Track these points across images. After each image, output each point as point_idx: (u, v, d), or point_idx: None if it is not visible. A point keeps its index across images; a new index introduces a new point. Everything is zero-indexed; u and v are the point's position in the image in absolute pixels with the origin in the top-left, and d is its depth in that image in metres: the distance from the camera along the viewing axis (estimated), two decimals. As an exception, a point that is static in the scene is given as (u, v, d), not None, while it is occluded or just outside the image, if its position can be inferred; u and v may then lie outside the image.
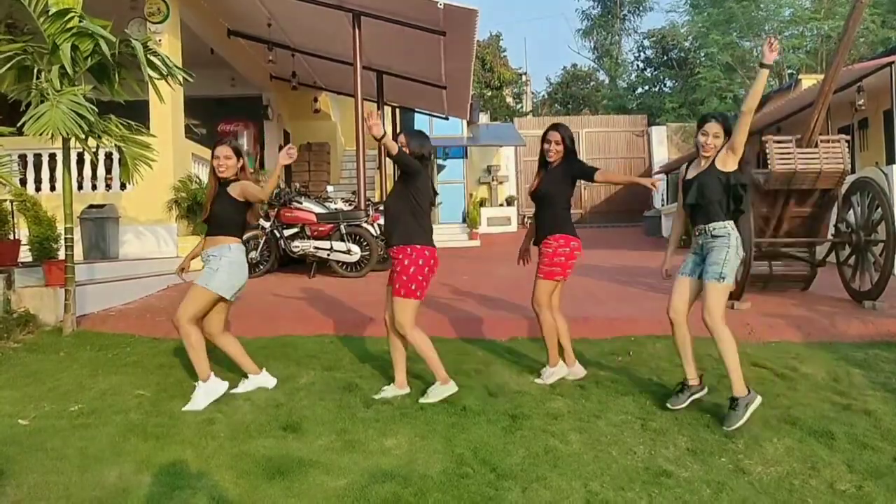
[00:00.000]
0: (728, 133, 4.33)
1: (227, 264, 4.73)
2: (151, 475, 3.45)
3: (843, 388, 4.79)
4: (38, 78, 6.13)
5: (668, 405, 4.34)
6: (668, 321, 4.50)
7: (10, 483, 3.36)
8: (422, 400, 4.53)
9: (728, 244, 4.27)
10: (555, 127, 4.99)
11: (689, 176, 4.51)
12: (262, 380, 4.88)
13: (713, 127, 4.37)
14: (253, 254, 9.69)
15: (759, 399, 4.18)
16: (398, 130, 15.77)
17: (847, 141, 7.27)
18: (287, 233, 10.16)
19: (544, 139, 4.98)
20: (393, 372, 4.80)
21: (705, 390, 4.42)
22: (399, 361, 4.75)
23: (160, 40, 9.76)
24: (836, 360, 5.41)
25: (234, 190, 4.70)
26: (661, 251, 4.88)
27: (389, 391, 4.68)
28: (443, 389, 4.56)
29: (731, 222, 4.34)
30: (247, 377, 4.86)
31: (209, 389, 4.58)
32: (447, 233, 18.75)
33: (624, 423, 4.18)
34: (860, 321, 6.40)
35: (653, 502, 3.20)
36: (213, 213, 4.76)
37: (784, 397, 4.57)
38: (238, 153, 4.79)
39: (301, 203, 10.44)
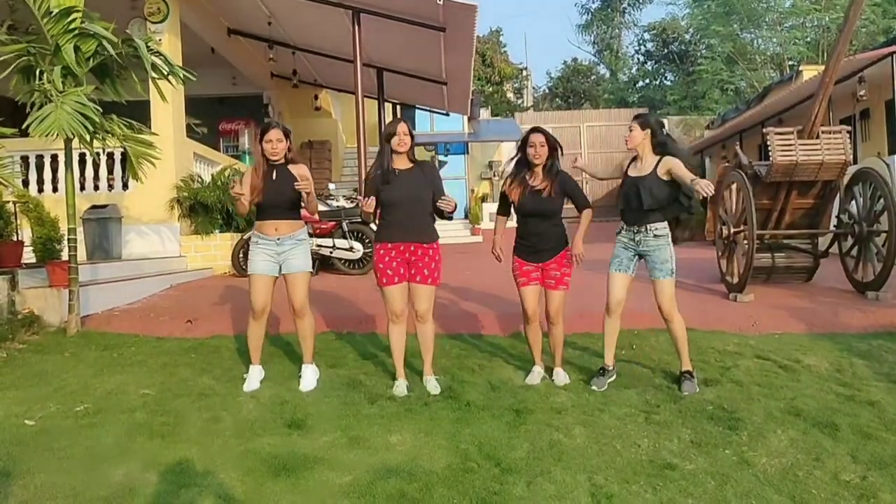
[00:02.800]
0: (644, 126, 4.68)
1: (308, 246, 5.01)
2: (158, 474, 3.46)
3: (847, 378, 4.79)
4: (40, 79, 6.14)
5: (592, 385, 4.75)
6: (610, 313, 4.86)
7: (17, 483, 3.37)
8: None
9: (668, 242, 4.64)
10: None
11: (632, 174, 4.77)
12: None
13: (631, 124, 4.77)
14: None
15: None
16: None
17: (848, 132, 7.25)
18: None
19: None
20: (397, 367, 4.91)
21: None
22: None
23: (160, 40, 9.76)
24: (839, 351, 5.41)
25: (300, 174, 4.84)
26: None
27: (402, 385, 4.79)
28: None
29: (667, 222, 4.69)
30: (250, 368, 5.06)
31: (316, 370, 5.00)
32: (448, 229, 18.70)
33: (627, 416, 4.19)
34: (863, 312, 6.40)
35: (657, 495, 3.21)
36: (280, 196, 4.83)
37: (788, 389, 4.57)
38: (287, 135, 4.90)
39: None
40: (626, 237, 4.76)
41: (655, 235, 4.61)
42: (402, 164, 4.77)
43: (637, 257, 4.76)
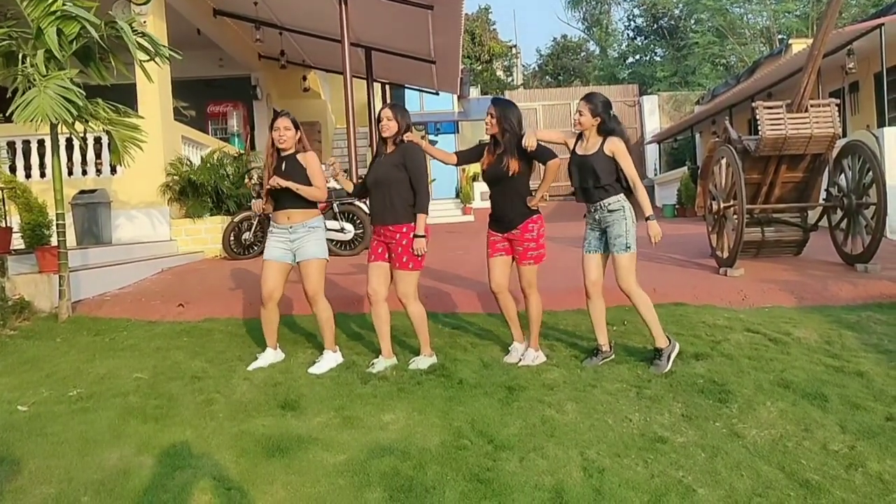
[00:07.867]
0: (595, 114, 4.66)
1: (322, 233, 5.04)
2: (152, 456, 3.47)
3: (836, 350, 4.83)
4: (23, 63, 6.07)
5: (585, 364, 4.73)
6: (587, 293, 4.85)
7: (11, 469, 3.37)
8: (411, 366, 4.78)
9: (624, 216, 4.63)
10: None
11: (580, 152, 4.78)
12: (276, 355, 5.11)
13: (581, 106, 4.71)
14: (247, 235, 9.68)
15: (677, 346, 4.70)
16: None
17: (837, 105, 7.26)
18: (280, 213, 10.14)
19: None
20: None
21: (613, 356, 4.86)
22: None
23: (145, 22, 9.64)
24: (828, 323, 5.46)
25: (306, 161, 4.90)
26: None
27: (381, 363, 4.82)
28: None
29: (622, 195, 4.69)
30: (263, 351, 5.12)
31: (337, 358, 4.96)
32: (441, 208, 18.74)
33: (619, 391, 4.21)
34: (852, 284, 6.44)
35: (649, 468, 3.24)
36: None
37: (777, 361, 4.61)
38: (296, 125, 4.95)
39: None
40: (590, 217, 4.81)
41: (610, 210, 4.65)
42: (389, 148, 4.85)
43: (603, 234, 4.75)
